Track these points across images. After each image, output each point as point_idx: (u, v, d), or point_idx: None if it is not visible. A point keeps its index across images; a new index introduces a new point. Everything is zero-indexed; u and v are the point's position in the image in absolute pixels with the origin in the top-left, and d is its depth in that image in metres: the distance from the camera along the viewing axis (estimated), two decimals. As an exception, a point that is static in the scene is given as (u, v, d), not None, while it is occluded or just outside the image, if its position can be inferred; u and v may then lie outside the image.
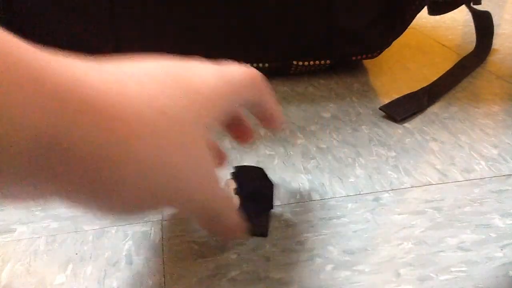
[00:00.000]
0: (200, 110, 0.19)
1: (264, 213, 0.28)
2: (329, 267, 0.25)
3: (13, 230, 0.28)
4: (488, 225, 0.29)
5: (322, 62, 0.50)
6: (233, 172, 0.28)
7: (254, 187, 0.27)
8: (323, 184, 0.33)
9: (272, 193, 0.28)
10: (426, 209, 0.30)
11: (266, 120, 0.26)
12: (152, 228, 0.28)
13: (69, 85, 0.15)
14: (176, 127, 0.18)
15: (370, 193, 0.32)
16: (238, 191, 0.27)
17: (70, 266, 0.25)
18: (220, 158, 0.28)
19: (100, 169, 0.16)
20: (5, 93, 0.13)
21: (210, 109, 0.20)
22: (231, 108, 0.22)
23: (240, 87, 0.22)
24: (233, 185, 0.27)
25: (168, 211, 0.25)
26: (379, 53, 0.52)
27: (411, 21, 0.50)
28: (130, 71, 0.18)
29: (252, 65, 0.48)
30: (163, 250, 0.27)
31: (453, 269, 0.25)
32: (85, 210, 0.18)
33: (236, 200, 0.27)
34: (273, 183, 0.28)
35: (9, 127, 0.13)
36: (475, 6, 0.59)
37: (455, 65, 0.53)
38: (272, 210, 0.30)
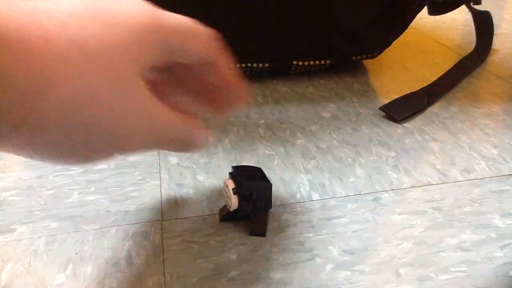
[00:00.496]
0: (128, 45, 0.18)
1: (262, 213, 0.28)
2: (329, 267, 0.25)
3: (13, 230, 0.28)
4: (488, 225, 0.29)
5: (322, 62, 0.50)
6: (231, 172, 0.28)
7: (253, 187, 0.27)
8: (323, 184, 0.33)
9: (271, 193, 0.28)
10: (426, 209, 0.30)
11: (219, 90, 0.25)
12: (152, 228, 0.28)
13: None
14: (100, 63, 0.17)
15: (370, 193, 0.32)
16: (236, 191, 0.27)
17: (70, 266, 0.25)
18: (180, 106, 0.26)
19: (24, 114, 0.15)
20: None
21: (141, 45, 0.19)
22: (164, 51, 0.20)
23: (177, 32, 0.21)
24: (232, 184, 0.27)
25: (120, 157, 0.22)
26: (379, 53, 0.52)
27: (411, 21, 0.50)
28: (47, 7, 0.17)
29: (252, 65, 0.48)
30: (163, 250, 0.27)
31: (453, 269, 0.25)
32: (29, 157, 0.18)
33: (235, 199, 0.27)
34: (271, 183, 0.28)
35: None
36: (475, 6, 0.59)
37: (455, 65, 0.53)
38: (271, 210, 0.30)
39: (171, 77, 0.25)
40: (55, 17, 0.17)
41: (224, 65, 0.24)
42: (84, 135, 0.17)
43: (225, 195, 0.28)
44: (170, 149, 0.23)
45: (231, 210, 0.27)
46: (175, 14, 0.21)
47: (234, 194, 0.27)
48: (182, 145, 0.23)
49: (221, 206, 0.30)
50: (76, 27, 0.17)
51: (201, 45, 0.22)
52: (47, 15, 0.16)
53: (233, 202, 0.27)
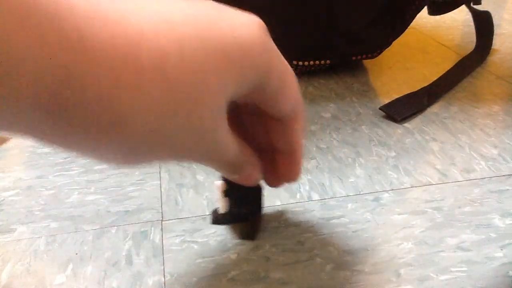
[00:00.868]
0: (230, 66, 0.16)
1: (252, 216, 0.27)
2: (329, 267, 0.25)
3: (13, 230, 0.28)
4: (488, 225, 0.29)
5: (322, 62, 0.50)
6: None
7: (242, 190, 0.26)
8: (323, 184, 0.33)
9: (261, 197, 0.27)
10: (426, 209, 0.30)
11: (281, 158, 0.24)
12: (152, 228, 0.28)
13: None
14: (198, 78, 0.16)
15: (370, 193, 0.32)
16: (227, 194, 0.26)
17: (70, 266, 0.25)
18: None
19: (105, 110, 0.14)
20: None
21: (243, 69, 0.17)
22: (261, 84, 0.18)
23: (281, 70, 0.19)
24: (223, 187, 0.26)
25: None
26: (379, 53, 0.52)
27: (411, 21, 0.50)
28: (155, 8, 0.16)
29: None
30: (163, 250, 0.27)
31: (453, 269, 0.25)
32: (84, 155, 0.16)
33: (224, 202, 0.26)
34: (261, 186, 0.27)
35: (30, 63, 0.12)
36: (475, 6, 0.59)
37: (455, 65, 0.53)
38: (266, 212, 0.30)
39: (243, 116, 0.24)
40: (171, 27, 0.15)
41: (298, 130, 0.23)
42: (151, 143, 0.16)
43: (217, 197, 0.27)
44: (221, 171, 0.23)
45: (220, 213, 0.27)
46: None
47: (224, 196, 0.26)
48: (234, 171, 0.22)
49: (214, 209, 0.29)
50: (189, 40, 0.15)
51: (292, 96, 0.21)
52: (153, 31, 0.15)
53: (222, 204, 0.26)
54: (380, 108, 0.43)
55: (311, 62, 0.50)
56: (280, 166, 0.24)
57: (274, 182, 0.25)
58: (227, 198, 0.26)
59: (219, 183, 0.27)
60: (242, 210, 0.27)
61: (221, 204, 0.26)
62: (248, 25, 0.18)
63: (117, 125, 0.15)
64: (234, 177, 0.23)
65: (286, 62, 0.19)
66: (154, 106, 0.15)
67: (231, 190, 0.26)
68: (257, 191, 0.27)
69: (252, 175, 0.23)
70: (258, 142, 0.24)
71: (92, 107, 0.14)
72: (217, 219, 0.27)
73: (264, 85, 0.19)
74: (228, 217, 0.27)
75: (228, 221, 0.28)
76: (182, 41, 0.15)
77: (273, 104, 0.20)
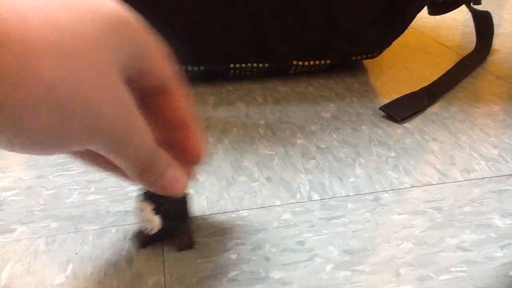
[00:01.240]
0: (101, 37, 0.16)
1: (184, 225, 0.26)
2: (329, 267, 0.25)
3: (13, 230, 0.28)
4: (488, 225, 0.29)
5: (322, 62, 0.50)
6: (144, 193, 0.25)
7: (169, 201, 0.25)
8: (323, 184, 0.33)
9: (186, 202, 0.26)
10: (426, 209, 0.30)
11: (179, 139, 0.22)
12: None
13: None
14: (85, 50, 0.16)
15: (370, 193, 0.32)
16: (157, 211, 0.25)
17: (70, 266, 0.25)
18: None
19: (8, 93, 0.14)
20: None
21: (114, 40, 0.17)
22: (134, 55, 0.18)
23: (146, 38, 0.19)
24: (149, 206, 0.25)
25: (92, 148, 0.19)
26: (379, 53, 0.52)
27: (411, 21, 0.50)
28: None
29: (252, 65, 0.48)
30: (163, 250, 0.27)
31: (453, 269, 0.25)
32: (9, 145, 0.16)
33: (157, 219, 0.25)
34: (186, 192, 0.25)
35: None
36: (475, 6, 0.59)
37: (455, 65, 0.53)
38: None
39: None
40: (39, 4, 0.15)
41: (182, 100, 0.21)
42: (60, 114, 0.16)
43: (142, 219, 0.25)
44: (143, 178, 0.20)
45: (153, 232, 0.25)
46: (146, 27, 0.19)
47: (156, 214, 0.25)
48: (156, 175, 0.20)
49: (137, 232, 0.27)
50: (65, 15, 0.16)
51: (164, 61, 0.20)
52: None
53: (156, 222, 0.25)
54: (380, 108, 0.43)
55: (311, 62, 0.50)
56: (181, 147, 0.22)
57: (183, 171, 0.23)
58: (158, 215, 0.25)
59: (143, 204, 0.25)
60: (173, 222, 0.26)
61: (153, 223, 0.25)
62: (103, 3, 0.18)
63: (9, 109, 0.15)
64: (158, 186, 0.21)
65: (150, 34, 0.19)
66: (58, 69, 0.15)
67: (159, 205, 0.25)
68: (182, 197, 0.26)
69: (178, 178, 0.21)
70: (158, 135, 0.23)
71: None
72: (148, 240, 0.26)
73: (138, 53, 0.19)
74: (161, 233, 0.25)
75: (162, 237, 0.26)
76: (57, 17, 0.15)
77: (152, 68, 0.20)
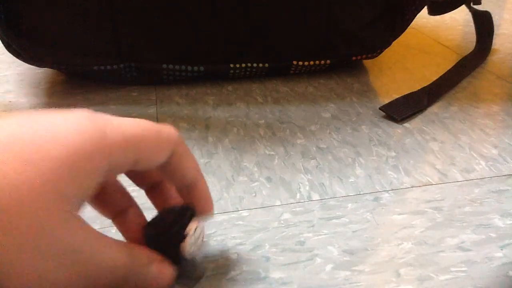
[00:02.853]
0: (57, 181, 0.16)
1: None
2: (329, 267, 0.25)
3: (13, 230, 0.28)
4: (488, 225, 0.29)
5: (322, 62, 0.50)
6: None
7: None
8: (323, 184, 0.33)
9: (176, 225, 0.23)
10: (426, 209, 0.30)
11: (186, 196, 0.23)
12: (152, 228, 0.28)
13: None
14: (21, 212, 0.15)
15: (370, 193, 0.32)
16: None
17: (70, 266, 0.25)
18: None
19: None
20: None
21: (77, 174, 0.16)
22: (117, 168, 0.18)
23: (130, 144, 0.18)
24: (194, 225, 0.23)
25: None
26: (379, 53, 0.52)
27: (411, 21, 0.50)
28: None
29: (252, 65, 0.48)
30: (163, 250, 0.27)
31: (453, 269, 0.25)
32: None
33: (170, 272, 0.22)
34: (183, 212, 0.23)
35: None
36: (475, 6, 0.59)
37: (455, 65, 0.53)
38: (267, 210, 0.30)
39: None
40: None
41: (188, 159, 0.22)
42: None
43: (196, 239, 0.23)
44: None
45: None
46: (123, 121, 0.18)
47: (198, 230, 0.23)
48: (138, 282, 0.20)
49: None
50: None
51: (161, 148, 0.20)
52: None
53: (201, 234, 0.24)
54: (380, 108, 0.43)
55: (311, 62, 0.50)
56: (191, 200, 0.23)
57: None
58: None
59: (192, 224, 0.23)
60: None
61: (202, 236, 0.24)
62: (75, 128, 0.17)
63: None
64: (146, 284, 0.20)
65: (127, 126, 0.19)
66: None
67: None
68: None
69: (162, 271, 0.21)
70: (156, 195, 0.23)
71: None
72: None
73: (118, 165, 0.18)
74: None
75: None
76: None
77: (145, 165, 0.20)
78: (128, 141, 0.18)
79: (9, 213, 0.15)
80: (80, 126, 0.17)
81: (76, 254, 0.17)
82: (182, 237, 0.22)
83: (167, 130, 0.20)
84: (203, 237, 0.24)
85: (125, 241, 0.22)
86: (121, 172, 0.19)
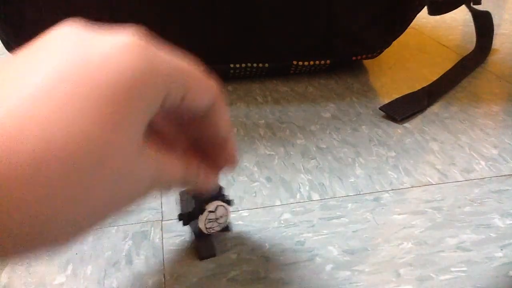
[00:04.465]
0: (113, 113, 0.15)
1: (207, 237, 0.27)
2: (329, 267, 0.25)
3: (13, 230, 0.28)
4: (488, 225, 0.29)
5: (322, 62, 0.50)
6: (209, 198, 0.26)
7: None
8: (323, 184, 0.33)
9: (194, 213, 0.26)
10: (426, 209, 0.30)
11: (215, 147, 0.23)
12: (152, 228, 0.28)
13: None
14: (81, 157, 0.14)
15: (370, 193, 0.32)
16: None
17: (70, 266, 0.25)
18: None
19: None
20: None
21: (133, 103, 0.16)
22: (167, 99, 0.18)
23: (180, 76, 0.18)
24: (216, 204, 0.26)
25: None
26: (379, 53, 0.52)
27: (411, 21, 0.50)
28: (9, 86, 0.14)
29: (252, 65, 0.48)
30: (163, 250, 0.27)
31: (453, 269, 0.25)
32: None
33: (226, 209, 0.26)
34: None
35: None
36: (475, 6, 0.59)
37: (455, 65, 0.53)
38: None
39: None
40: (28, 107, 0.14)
41: (223, 117, 0.22)
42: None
43: (214, 218, 0.26)
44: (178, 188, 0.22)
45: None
46: (171, 54, 0.18)
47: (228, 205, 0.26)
48: (189, 185, 0.22)
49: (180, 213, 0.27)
50: (54, 117, 0.14)
51: (203, 88, 0.20)
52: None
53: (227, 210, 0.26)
54: (380, 108, 0.43)
55: (311, 62, 0.50)
56: (217, 156, 0.24)
57: (213, 172, 0.24)
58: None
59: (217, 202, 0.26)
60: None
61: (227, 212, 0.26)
62: (122, 53, 0.16)
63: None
64: (196, 188, 0.23)
65: (177, 59, 0.18)
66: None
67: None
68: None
69: (208, 178, 0.23)
70: (190, 144, 0.24)
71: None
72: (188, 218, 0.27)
73: (170, 96, 0.18)
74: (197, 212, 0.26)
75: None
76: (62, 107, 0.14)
77: (189, 105, 0.20)
78: (177, 71, 0.18)
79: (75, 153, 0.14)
80: (131, 52, 0.16)
81: (149, 181, 0.18)
82: (201, 210, 0.25)
83: (211, 77, 0.20)
84: (226, 220, 0.26)
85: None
86: (170, 107, 0.19)
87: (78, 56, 0.15)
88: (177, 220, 0.27)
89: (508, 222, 0.29)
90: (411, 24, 0.52)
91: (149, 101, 0.17)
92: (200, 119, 0.21)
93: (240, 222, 0.29)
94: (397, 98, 0.45)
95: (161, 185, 0.20)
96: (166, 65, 0.17)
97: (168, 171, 0.20)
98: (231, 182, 0.33)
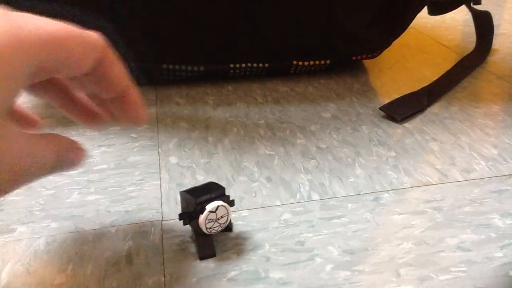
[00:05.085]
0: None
1: (207, 237, 0.26)
2: (329, 267, 0.25)
3: (13, 230, 0.28)
4: (488, 225, 0.29)
5: (322, 62, 0.50)
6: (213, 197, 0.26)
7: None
8: (323, 184, 0.33)
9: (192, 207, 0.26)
10: (426, 209, 0.30)
11: (118, 106, 0.23)
12: (152, 228, 0.28)
13: None
14: None
15: (370, 193, 0.32)
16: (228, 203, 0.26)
17: (70, 266, 0.25)
18: (29, 121, 0.24)
19: None
20: None
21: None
22: (40, 71, 0.17)
23: (52, 44, 0.17)
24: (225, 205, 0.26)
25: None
26: (379, 53, 0.52)
27: (411, 21, 0.50)
28: None
29: (252, 65, 0.48)
30: (163, 250, 0.27)
31: (453, 269, 0.25)
32: None
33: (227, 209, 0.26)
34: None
35: None
36: (475, 6, 0.59)
37: (455, 65, 0.53)
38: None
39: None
40: None
41: (116, 68, 0.21)
42: None
43: (215, 218, 0.26)
44: (55, 171, 0.21)
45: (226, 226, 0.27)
46: (41, 21, 0.17)
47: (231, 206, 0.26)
48: (64, 165, 0.21)
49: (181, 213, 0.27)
50: None
51: (87, 51, 0.19)
52: None
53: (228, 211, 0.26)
54: (380, 108, 0.43)
55: (311, 62, 0.50)
56: (122, 112, 0.24)
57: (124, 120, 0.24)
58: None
59: (219, 204, 0.25)
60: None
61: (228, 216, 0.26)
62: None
63: None
64: (68, 168, 0.22)
65: (49, 27, 0.17)
66: None
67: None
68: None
69: (77, 153, 0.22)
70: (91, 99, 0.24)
71: None
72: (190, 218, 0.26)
73: (44, 67, 0.18)
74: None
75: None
76: None
77: (71, 69, 0.19)
78: (49, 42, 0.17)
79: None
80: (5, 25, 0.16)
81: (12, 163, 0.17)
82: (202, 210, 0.25)
83: (91, 34, 0.19)
84: (227, 220, 0.26)
85: (50, 132, 0.22)
86: (45, 78, 0.18)
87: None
88: (178, 220, 0.27)
89: (508, 222, 0.29)
90: (411, 24, 0.52)
91: (11, 78, 0.16)
92: (90, 76, 0.21)
93: (240, 222, 0.29)
94: (397, 98, 0.45)
95: (34, 166, 0.19)
96: (35, 37, 0.17)
97: (38, 153, 0.19)
98: (231, 182, 0.33)
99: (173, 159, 0.36)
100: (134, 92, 0.23)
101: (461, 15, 0.75)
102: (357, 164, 0.35)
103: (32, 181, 0.19)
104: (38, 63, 0.17)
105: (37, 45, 0.17)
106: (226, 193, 0.28)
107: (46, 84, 0.23)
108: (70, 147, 0.22)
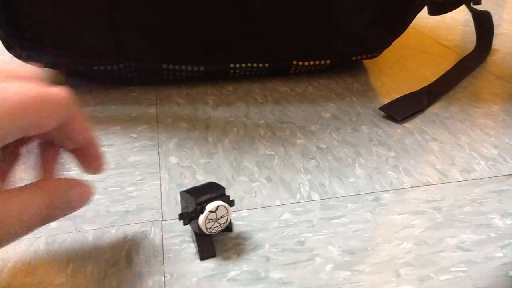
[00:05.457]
0: None
1: (207, 238, 0.26)
2: (329, 267, 0.25)
3: (13, 230, 0.28)
4: (488, 225, 0.29)
5: (322, 62, 0.50)
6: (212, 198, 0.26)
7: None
8: (323, 184, 0.33)
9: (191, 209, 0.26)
10: (426, 209, 0.30)
11: (80, 155, 0.24)
12: (152, 228, 0.28)
13: None
14: None
15: (370, 193, 0.32)
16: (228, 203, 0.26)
17: (70, 266, 0.25)
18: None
19: None
20: None
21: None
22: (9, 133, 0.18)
23: (16, 108, 0.17)
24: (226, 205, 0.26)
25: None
26: (379, 53, 0.52)
27: (411, 21, 0.50)
28: None
29: (252, 65, 0.48)
30: (163, 250, 0.27)
31: (453, 269, 0.25)
32: None
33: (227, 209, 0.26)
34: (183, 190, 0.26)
35: None
36: (475, 6, 0.59)
37: (455, 65, 0.53)
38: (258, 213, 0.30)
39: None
40: None
41: (80, 124, 0.22)
42: None
43: (215, 218, 0.26)
44: (56, 217, 0.21)
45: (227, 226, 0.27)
46: (6, 88, 0.18)
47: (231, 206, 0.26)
48: (64, 209, 0.22)
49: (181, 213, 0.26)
50: None
51: (50, 114, 0.19)
52: None
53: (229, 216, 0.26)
54: (380, 108, 0.43)
55: (311, 62, 0.50)
56: (85, 161, 0.25)
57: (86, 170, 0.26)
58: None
59: (219, 204, 0.25)
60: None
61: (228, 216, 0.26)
62: None
63: None
64: (70, 209, 0.22)
65: (12, 92, 0.18)
66: None
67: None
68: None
69: (82, 192, 0.23)
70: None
71: None
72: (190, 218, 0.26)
73: (10, 134, 0.18)
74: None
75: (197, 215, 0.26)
76: None
77: (38, 130, 0.19)
78: (17, 109, 0.17)
79: None
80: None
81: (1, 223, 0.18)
82: (202, 210, 0.25)
83: (58, 93, 0.20)
84: (227, 220, 0.26)
85: (38, 179, 0.23)
86: (10, 140, 0.19)
87: None
88: (178, 220, 0.27)
89: (508, 222, 0.29)
90: (411, 24, 0.52)
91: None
92: (55, 130, 0.21)
93: (240, 222, 0.29)
94: (397, 98, 0.45)
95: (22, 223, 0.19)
96: (5, 106, 0.17)
97: (27, 207, 0.19)
98: (231, 182, 0.33)
99: (173, 159, 0.36)
100: (95, 145, 0.24)
101: (461, 15, 0.75)
102: (357, 164, 0.35)
103: (24, 235, 0.19)
104: (7, 130, 0.17)
105: (6, 116, 0.17)
106: (226, 193, 0.28)
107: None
108: (69, 186, 0.22)
